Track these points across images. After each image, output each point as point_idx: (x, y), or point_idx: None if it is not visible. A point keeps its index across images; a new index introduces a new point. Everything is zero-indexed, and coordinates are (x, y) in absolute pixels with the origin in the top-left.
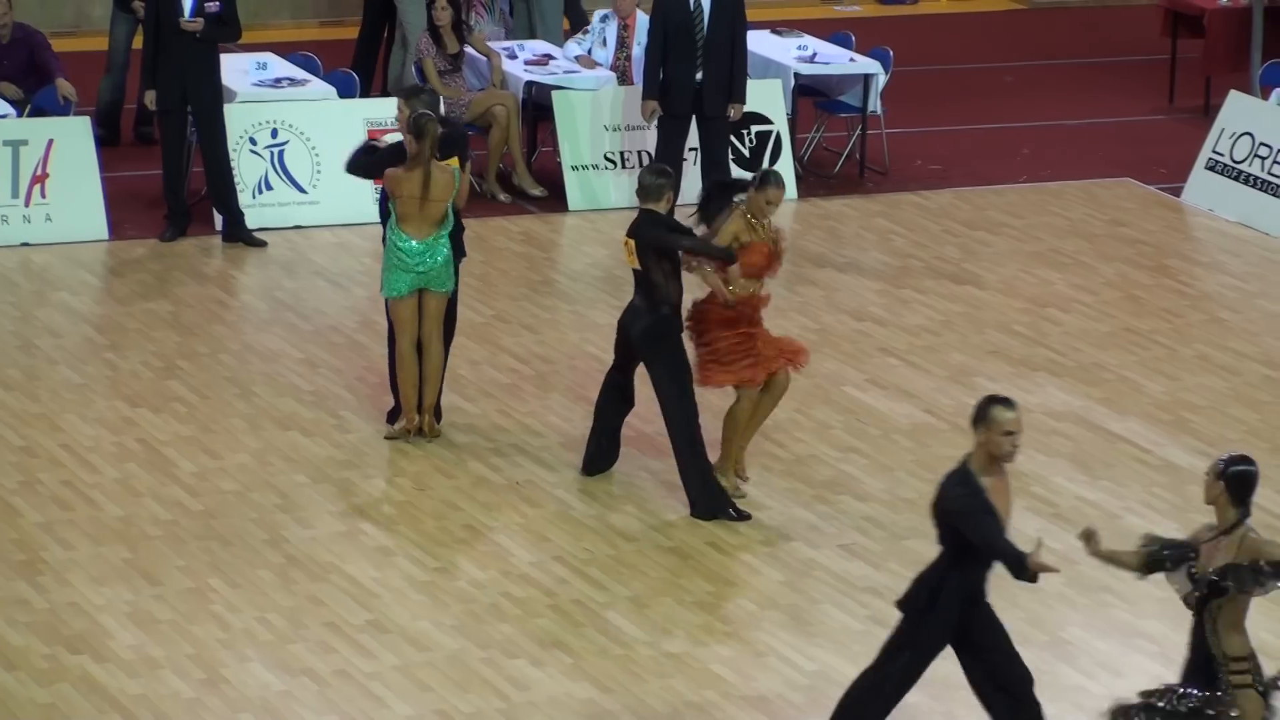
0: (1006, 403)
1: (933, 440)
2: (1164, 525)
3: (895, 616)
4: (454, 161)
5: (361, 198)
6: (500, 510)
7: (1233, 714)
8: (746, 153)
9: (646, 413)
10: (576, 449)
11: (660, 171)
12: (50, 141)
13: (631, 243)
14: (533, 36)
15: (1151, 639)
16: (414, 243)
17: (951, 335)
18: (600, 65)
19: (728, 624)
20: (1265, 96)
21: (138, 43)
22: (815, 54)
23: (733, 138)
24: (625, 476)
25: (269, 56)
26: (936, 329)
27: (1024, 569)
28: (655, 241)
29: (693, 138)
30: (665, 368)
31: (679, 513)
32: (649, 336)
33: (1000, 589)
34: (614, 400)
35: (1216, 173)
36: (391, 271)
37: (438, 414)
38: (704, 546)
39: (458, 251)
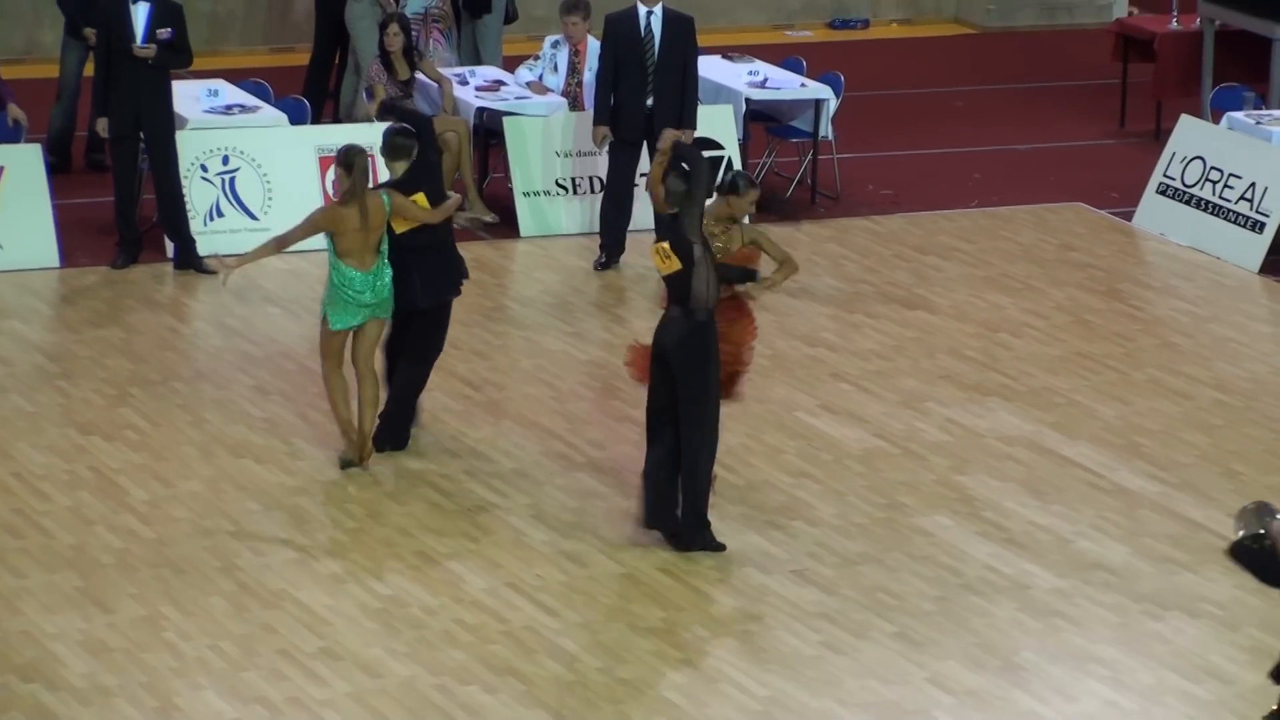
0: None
1: (885, 465)
2: (1116, 550)
3: (848, 641)
4: (419, 197)
5: None
6: (452, 537)
7: None
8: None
9: (601, 437)
10: (528, 475)
11: (688, 177)
12: (1, 169)
13: (664, 246)
14: (477, 62)
15: (1104, 663)
16: (358, 274)
17: (903, 360)
18: (551, 91)
19: (681, 650)
20: (1216, 121)
21: (89, 70)
22: (766, 79)
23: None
24: (577, 501)
25: (220, 83)
26: (888, 354)
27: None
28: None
29: (644, 164)
30: (699, 384)
31: (631, 538)
32: (686, 347)
33: (950, 613)
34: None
35: (1168, 197)
36: (339, 306)
37: (398, 436)
38: (656, 572)
39: (458, 270)
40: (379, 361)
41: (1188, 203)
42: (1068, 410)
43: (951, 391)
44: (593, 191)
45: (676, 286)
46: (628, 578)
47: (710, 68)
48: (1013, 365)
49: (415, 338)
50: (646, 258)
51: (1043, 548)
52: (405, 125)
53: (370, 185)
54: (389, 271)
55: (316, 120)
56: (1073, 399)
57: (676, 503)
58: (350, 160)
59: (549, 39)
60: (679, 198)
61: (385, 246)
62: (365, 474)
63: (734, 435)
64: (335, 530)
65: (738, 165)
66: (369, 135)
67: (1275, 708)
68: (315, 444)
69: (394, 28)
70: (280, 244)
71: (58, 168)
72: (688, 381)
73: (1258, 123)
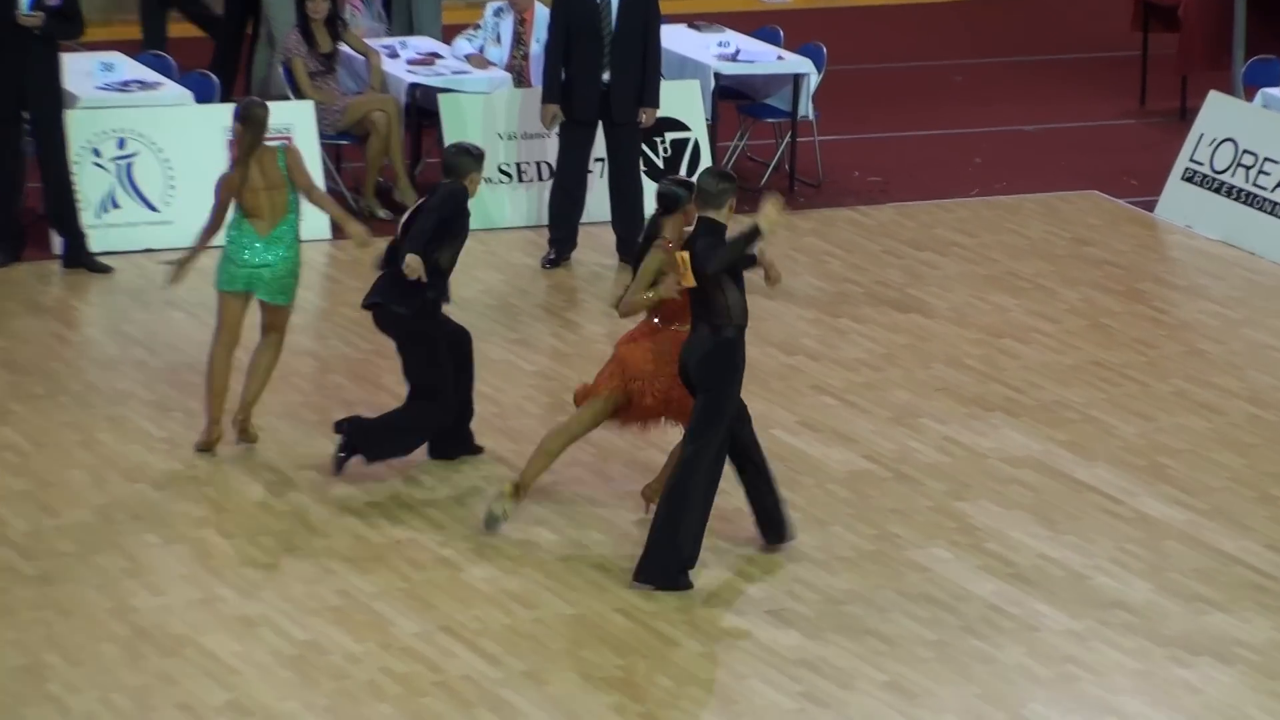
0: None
1: (874, 490)
2: (1138, 587)
3: (833, 693)
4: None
5: None
6: (379, 573)
7: None
8: (660, 163)
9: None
10: (467, 503)
11: (724, 175)
12: None
13: (685, 257)
14: (411, 32)
15: (1125, 717)
16: (254, 236)
17: (894, 371)
18: (494, 65)
19: (641, 703)
20: (1250, 98)
21: None
22: (738, 51)
23: (645, 147)
24: (523, 533)
25: (116, 56)
26: (877, 364)
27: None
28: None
29: (599, 147)
30: (714, 406)
31: (584, 575)
32: (709, 364)
33: (949, 659)
34: (750, 477)
35: (1195, 184)
36: (223, 262)
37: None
38: (612, 614)
39: (440, 295)
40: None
41: (1218, 190)
42: (1082, 427)
43: (950, 406)
44: (540, 179)
45: (697, 299)
46: (580, 620)
47: (675, 38)
48: (1019, 376)
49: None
50: (600, 253)
51: (1054, 584)
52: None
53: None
54: (289, 255)
55: (226, 99)
56: (1088, 414)
57: (779, 506)
58: (247, 113)
59: (491, 5)
60: (705, 198)
61: (294, 222)
62: (280, 503)
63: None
64: (246, 566)
65: (705, 148)
66: (288, 114)
67: None
68: (225, 466)
69: None
70: (209, 233)
71: None
72: (700, 400)
73: None
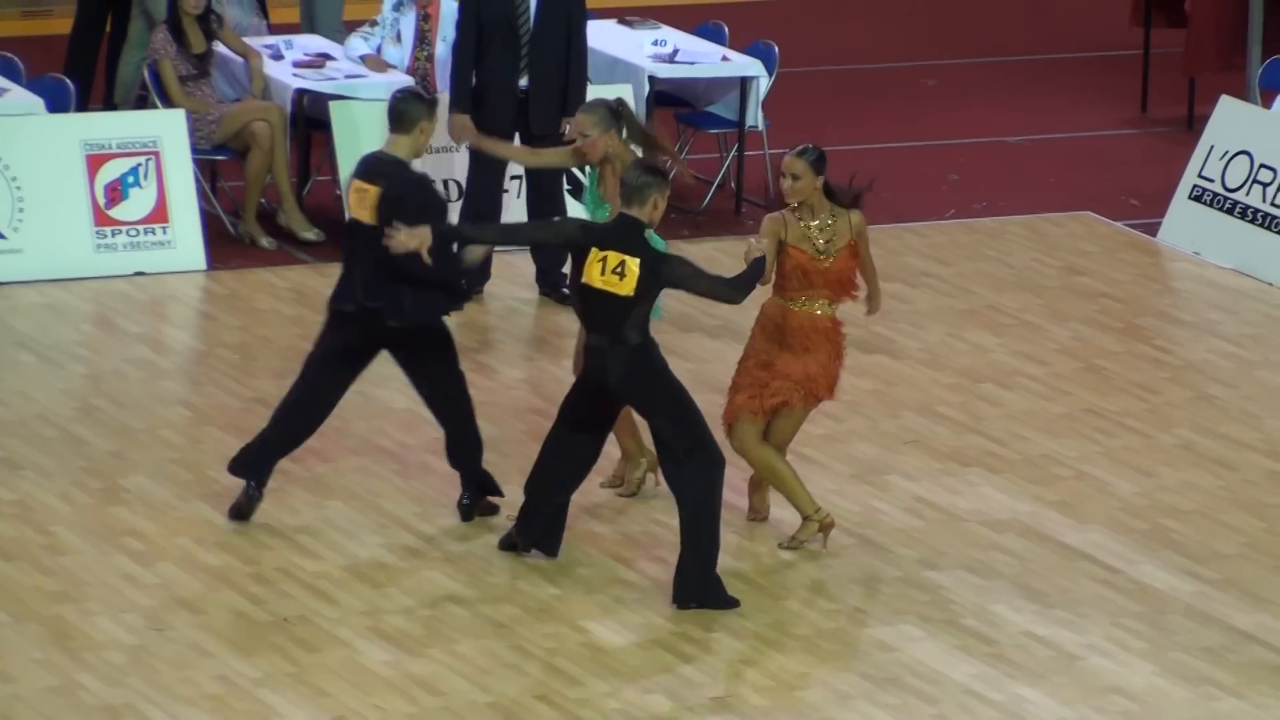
0: None
1: (834, 558)
2: (1139, 669)
3: None
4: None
5: (78, 245)
6: (264, 655)
7: None
8: (586, 182)
9: (458, 524)
10: (365, 575)
11: (650, 168)
12: None
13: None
14: (310, 30)
15: None
16: None
17: (858, 420)
18: (393, 67)
19: None
20: (1267, 103)
21: None
22: (676, 51)
23: None
24: (429, 609)
25: None
26: (839, 413)
27: None
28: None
29: (516, 164)
30: (674, 408)
31: (499, 656)
32: (637, 377)
33: None
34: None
35: (1204, 204)
36: None
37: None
38: (533, 701)
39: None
40: None
41: (1230, 211)
42: (1074, 485)
43: (921, 461)
44: (451, 199)
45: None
46: (495, 708)
47: (603, 36)
48: (1001, 426)
49: None
50: (517, 285)
51: (1042, 666)
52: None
53: None
54: None
55: (83, 107)
56: (1080, 470)
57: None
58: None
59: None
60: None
61: None
62: (146, 571)
63: (636, 521)
64: (109, 649)
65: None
66: (155, 125)
67: None
68: (81, 534)
69: None
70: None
71: None
72: (661, 412)
73: None
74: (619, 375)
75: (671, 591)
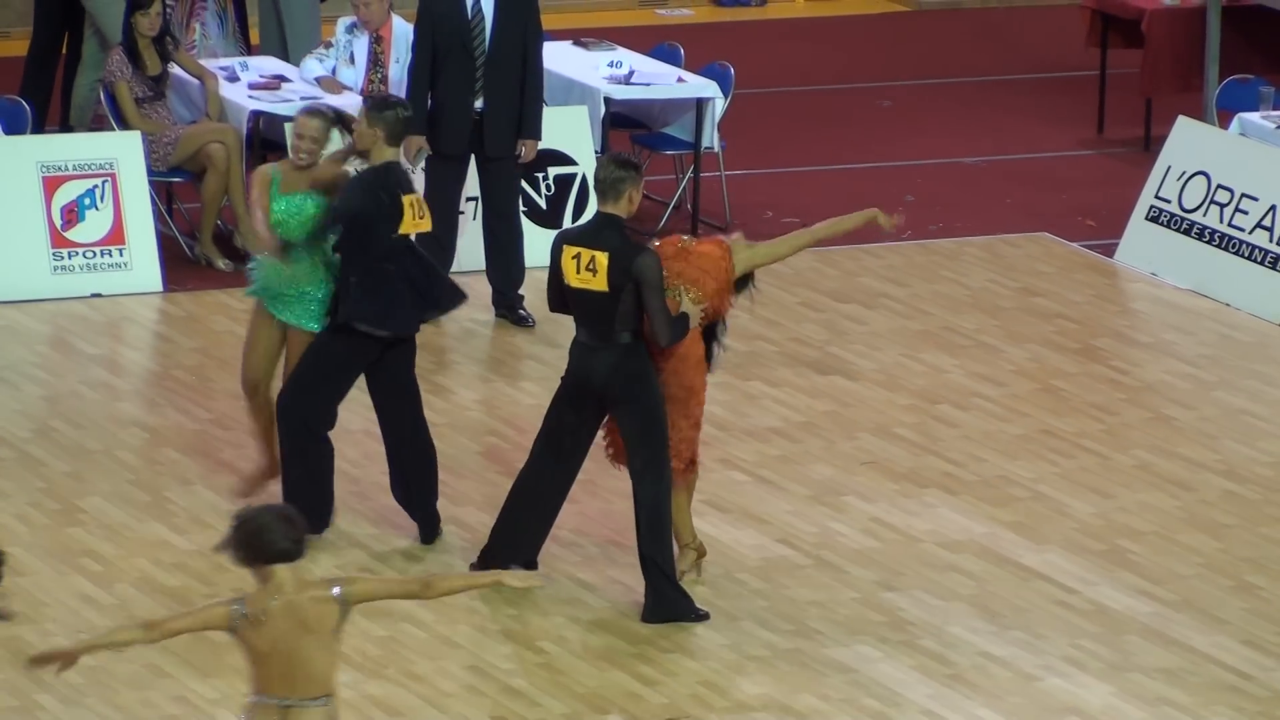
0: None
1: (790, 579)
2: (1096, 690)
3: None
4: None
5: (35, 266)
6: (222, 677)
7: None
8: (542, 203)
9: (414, 548)
10: None
11: (623, 162)
12: None
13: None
14: (284, 54)
15: None
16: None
17: (814, 442)
18: (348, 89)
19: None
20: (1224, 124)
21: None
22: (632, 72)
23: (524, 183)
24: (386, 627)
25: None
26: (795, 434)
27: None
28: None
29: (471, 185)
30: (646, 415)
31: (457, 677)
32: (624, 373)
33: None
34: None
35: (1161, 224)
36: None
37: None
38: None
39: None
40: None
41: (1187, 232)
42: (1031, 506)
43: (878, 483)
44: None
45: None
46: None
47: (559, 58)
48: (958, 448)
49: None
50: (472, 308)
51: (999, 687)
52: None
53: None
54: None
55: (39, 129)
56: (1037, 491)
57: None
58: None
59: (343, 21)
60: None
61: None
62: (109, 596)
63: (594, 543)
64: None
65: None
66: (111, 147)
67: None
68: (39, 555)
69: (157, 6)
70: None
71: None
72: (637, 418)
73: (1278, 126)
74: (605, 375)
75: (643, 611)
